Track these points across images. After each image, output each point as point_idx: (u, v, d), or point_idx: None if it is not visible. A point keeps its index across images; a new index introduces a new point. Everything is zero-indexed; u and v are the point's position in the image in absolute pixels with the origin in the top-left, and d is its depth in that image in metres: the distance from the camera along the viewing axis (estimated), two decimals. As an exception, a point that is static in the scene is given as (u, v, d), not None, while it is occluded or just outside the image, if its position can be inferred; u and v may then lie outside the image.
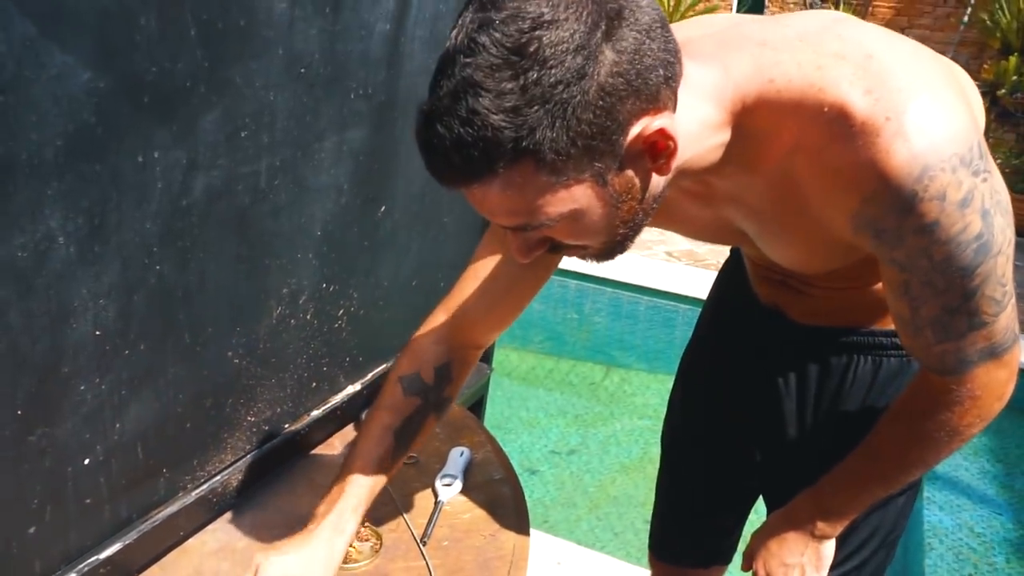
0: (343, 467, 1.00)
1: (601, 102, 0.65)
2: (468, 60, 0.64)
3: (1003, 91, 6.09)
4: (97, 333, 0.88)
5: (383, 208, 1.32)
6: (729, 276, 1.24)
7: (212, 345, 1.06)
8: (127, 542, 1.00)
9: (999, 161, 5.87)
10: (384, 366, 1.49)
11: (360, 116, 1.18)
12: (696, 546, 1.37)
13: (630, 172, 0.72)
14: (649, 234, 5.02)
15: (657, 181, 0.75)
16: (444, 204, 1.50)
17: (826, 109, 0.73)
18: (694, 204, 0.92)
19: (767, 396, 1.14)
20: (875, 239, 0.77)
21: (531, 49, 0.63)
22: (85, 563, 0.95)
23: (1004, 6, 6.69)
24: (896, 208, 0.73)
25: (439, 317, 1.05)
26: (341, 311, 1.32)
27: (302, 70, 1.04)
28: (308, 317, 1.24)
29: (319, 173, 1.15)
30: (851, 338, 1.06)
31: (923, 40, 0.92)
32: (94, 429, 0.92)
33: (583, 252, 0.81)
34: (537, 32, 0.63)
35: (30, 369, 0.82)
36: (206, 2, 0.86)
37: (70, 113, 0.76)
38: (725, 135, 0.78)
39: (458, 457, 1.31)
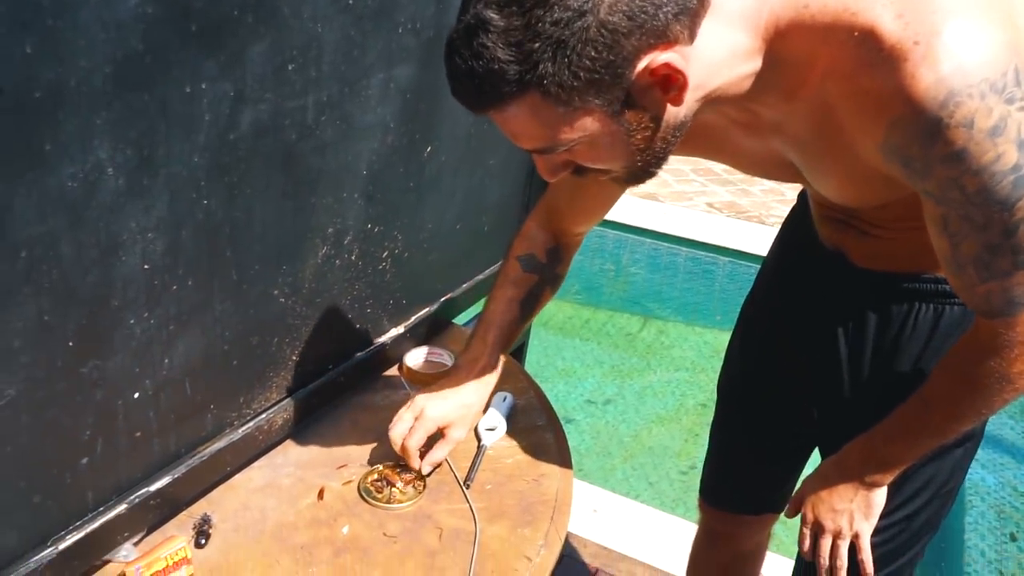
0: (477, 333, 1.17)
1: (602, 38, 0.68)
2: None
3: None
4: (146, 267, 0.87)
5: (429, 149, 1.30)
6: (795, 222, 1.21)
7: (258, 283, 1.06)
8: (176, 476, 1.01)
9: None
10: (427, 309, 1.48)
11: (408, 52, 1.15)
12: (749, 495, 1.36)
13: (641, 103, 0.74)
14: (690, 185, 4.93)
15: (674, 112, 0.76)
16: (490, 146, 1.47)
17: (856, 33, 0.72)
18: (744, 135, 0.92)
19: (826, 344, 1.12)
20: (905, 168, 0.77)
21: None
22: (135, 494, 0.97)
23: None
24: (921, 135, 0.72)
25: (541, 208, 1.17)
26: (386, 253, 1.30)
27: (350, 2, 1.01)
28: (353, 258, 1.23)
29: (366, 111, 1.12)
30: (913, 285, 1.03)
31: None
32: (143, 363, 0.92)
33: (608, 175, 0.84)
34: None
35: (80, 301, 0.82)
36: (254, -74, 0.83)
37: (118, 40, 0.74)
38: (756, 62, 0.78)
39: (501, 402, 1.30)
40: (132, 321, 0.89)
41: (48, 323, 0.79)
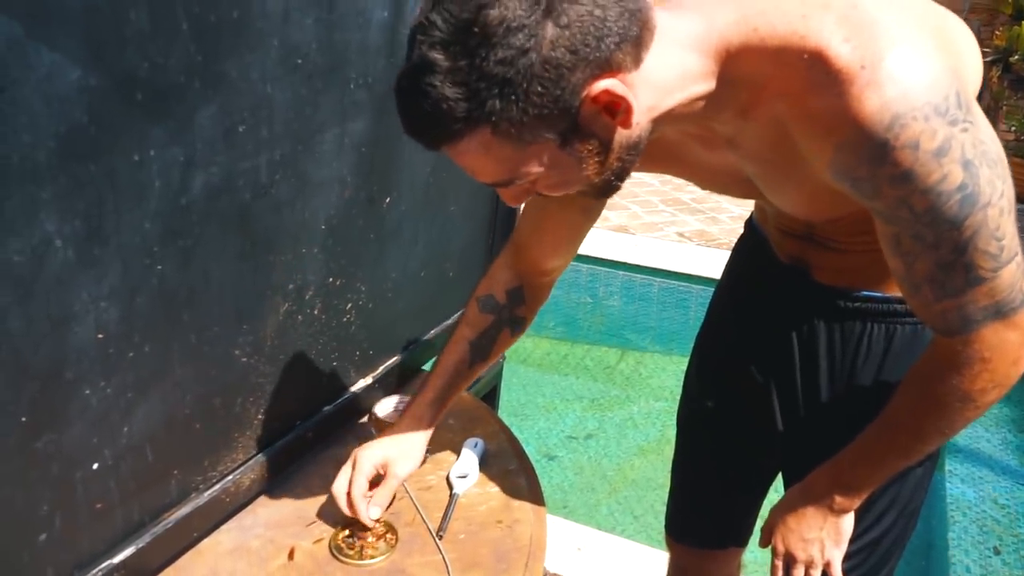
0: (429, 373, 1.18)
1: (547, 74, 0.70)
2: (423, 38, 0.70)
3: (1015, 57, 5.96)
4: (100, 336, 0.87)
5: (388, 199, 1.30)
6: (743, 251, 1.22)
7: (218, 344, 1.05)
8: (140, 546, 0.99)
9: (1012, 128, 5.75)
10: (395, 358, 1.47)
11: (361, 107, 1.16)
12: (712, 528, 1.35)
13: (590, 131, 0.76)
14: (660, 215, 4.98)
15: (625, 134, 0.78)
16: (451, 193, 1.48)
17: (806, 56, 0.74)
18: (703, 149, 0.94)
19: (783, 367, 1.12)
20: (853, 188, 0.79)
21: (476, 28, 0.68)
22: (98, 568, 0.95)
23: (1015, -29, 6.56)
24: (868, 156, 0.74)
25: (509, 246, 1.17)
26: (349, 305, 1.30)
27: (299, 61, 1.02)
28: (316, 312, 1.23)
29: (321, 166, 1.13)
30: (866, 305, 1.04)
31: (934, 8, 0.90)
32: (102, 433, 0.91)
33: (573, 194, 0.85)
34: (482, 12, 0.68)
35: (32, 375, 0.81)
36: (197, -5, 0.84)
37: (62, 113, 0.75)
38: (710, 83, 0.80)
39: (472, 448, 1.29)
40: (88, 392, 0.88)
41: (-1, 400, 0.78)
